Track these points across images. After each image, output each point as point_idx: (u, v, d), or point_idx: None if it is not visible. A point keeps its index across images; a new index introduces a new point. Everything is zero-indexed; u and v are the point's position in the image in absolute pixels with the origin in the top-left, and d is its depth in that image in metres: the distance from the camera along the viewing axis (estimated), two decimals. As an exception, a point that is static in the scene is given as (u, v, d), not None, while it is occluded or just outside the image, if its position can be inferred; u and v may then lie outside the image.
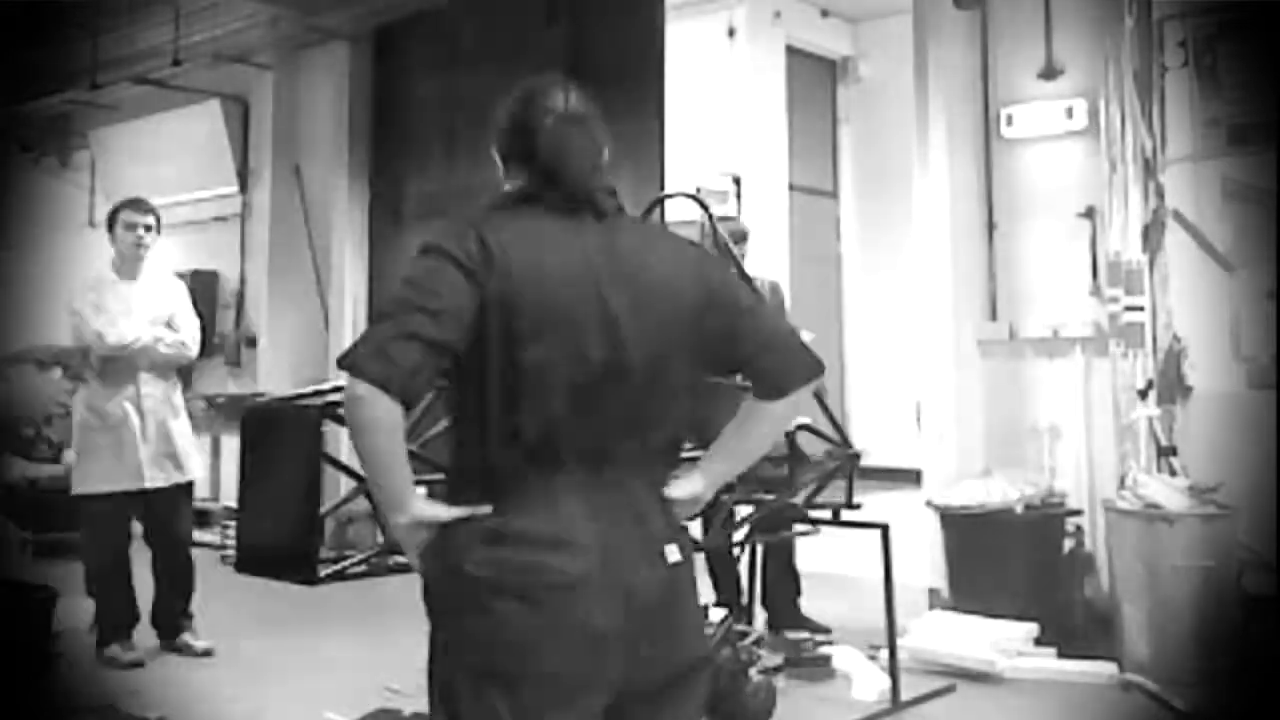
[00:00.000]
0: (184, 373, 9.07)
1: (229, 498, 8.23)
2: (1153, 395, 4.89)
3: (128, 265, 5.00)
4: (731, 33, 9.71)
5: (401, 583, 2.48)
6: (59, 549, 7.28)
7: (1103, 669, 4.43)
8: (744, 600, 4.90)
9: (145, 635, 4.95)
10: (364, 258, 8.11)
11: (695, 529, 3.62)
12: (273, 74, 8.61)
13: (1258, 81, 4.88)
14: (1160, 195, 5.01)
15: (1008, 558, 4.88)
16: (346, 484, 8.16)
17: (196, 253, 9.22)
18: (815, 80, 10.65)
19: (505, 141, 1.91)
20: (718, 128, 9.65)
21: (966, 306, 5.56)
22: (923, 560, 5.33)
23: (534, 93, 1.89)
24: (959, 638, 4.60)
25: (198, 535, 7.85)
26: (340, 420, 2.83)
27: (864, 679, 4.35)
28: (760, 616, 5.02)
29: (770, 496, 3.90)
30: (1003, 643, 4.54)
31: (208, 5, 8.31)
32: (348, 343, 1.73)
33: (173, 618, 4.97)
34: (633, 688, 1.75)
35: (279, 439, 3.28)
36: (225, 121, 8.74)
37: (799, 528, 4.28)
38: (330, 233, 8.20)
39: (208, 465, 8.77)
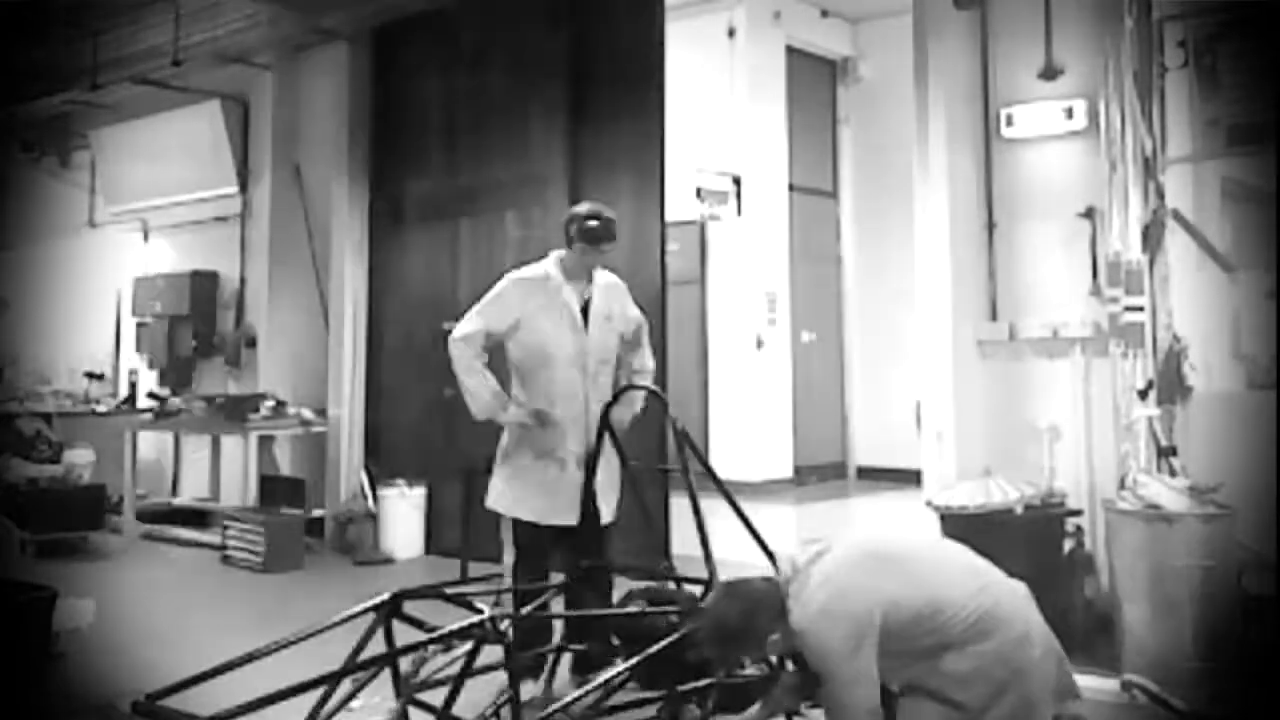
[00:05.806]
0: (184, 373, 9.15)
1: (229, 498, 8.23)
2: (1153, 395, 4.88)
3: None
4: (731, 33, 9.72)
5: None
6: (59, 549, 7.29)
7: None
8: None
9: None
10: (364, 258, 8.08)
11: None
12: (273, 74, 8.61)
13: (1258, 81, 4.88)
14: (1160, 195, 5.00)
15: (1008, 558, 4.81)
16: (346, 485, 8.16)
17: (196, 253, 9.23)
18: (815, 80, 10.65)
19: None
20: (718, 128, 9.66)
21: (966, 306, 5.56)
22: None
23: None
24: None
25: (197, 536, 7.90)
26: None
27: None
28: None
29: None
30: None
31: (208, 5, 8.31)
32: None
33: None
34: None
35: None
36: (225, 121, 8.75)
37: None
38: (330, 233, 8.18)
39: (208, 465, 8.79)
